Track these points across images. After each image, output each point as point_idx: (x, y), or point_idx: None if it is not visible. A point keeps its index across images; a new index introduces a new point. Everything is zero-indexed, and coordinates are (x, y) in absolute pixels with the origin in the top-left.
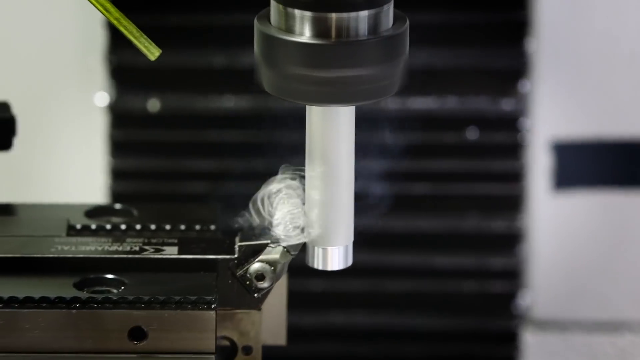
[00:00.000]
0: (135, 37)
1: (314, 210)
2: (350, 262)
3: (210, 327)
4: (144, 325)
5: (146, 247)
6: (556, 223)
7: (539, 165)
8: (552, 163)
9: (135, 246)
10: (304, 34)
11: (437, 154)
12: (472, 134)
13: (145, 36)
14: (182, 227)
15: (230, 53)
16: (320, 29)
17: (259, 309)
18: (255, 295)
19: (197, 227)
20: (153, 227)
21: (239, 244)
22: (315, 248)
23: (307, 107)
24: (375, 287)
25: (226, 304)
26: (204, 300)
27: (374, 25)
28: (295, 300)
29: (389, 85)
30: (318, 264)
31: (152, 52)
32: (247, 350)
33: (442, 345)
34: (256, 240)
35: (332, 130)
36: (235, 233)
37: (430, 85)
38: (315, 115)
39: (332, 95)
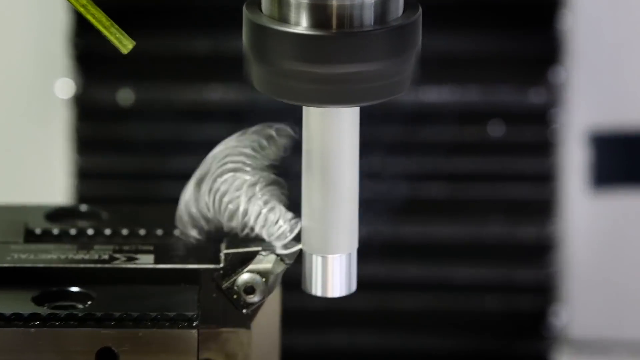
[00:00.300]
0: (105, 27)
1: (312, 214)
2: (354, 288)
3: (191, 349)
4: (115, 347)
5: (117, 256)
6: (595, 228)
7: (574, 162)
8: (589, 159)
9: (105, 254)
10: (301, 24)
11: (456, 152)
12: (496, 129)
13: (116, 26)
14: (159, 232)
15: (216, 37)
16: (319, 18)
17: (249, 328)
18: (244, 311)
19: (176, 232)
20: (125, 232)
21: (225, 251)
22: (314, 257)
23: (305, 107)
24: (384, 303)
25: (210, 322)
26: (184, 317)
27: (382, 13)
28: (290, 318)
29: (398, 82)
30: (316, 289)
31: (125, 44)
32: None
33: None
34: (245, 247)
35: (332, 135)
36: (221, 239)
37: (448, 74)
38: (314, 118)
39: (333, 95)
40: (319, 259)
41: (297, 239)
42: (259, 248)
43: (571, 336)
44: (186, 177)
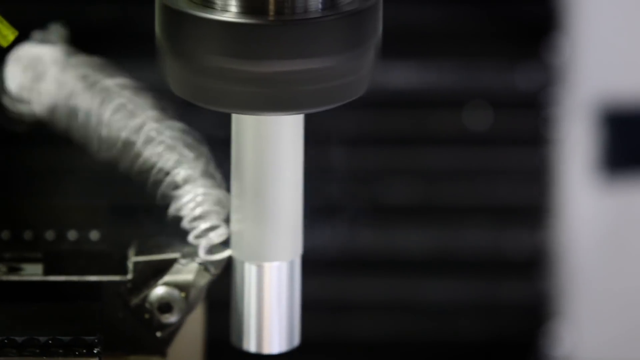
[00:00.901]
0: None
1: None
2: (296, 342)
3: None
4: None
5: None
6: (604, 229)
7: (577, 149)
8: (597, 143)
9: None
10: (229, 9)
11: (430, 144)
12: (477, 117)
13: None
14: (50, 235)
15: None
16: (252, 1)
17: (164, 355)
18: (158, 334)
19: (73, 235)
20: (5, 235)
21: (134, 259)
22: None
23: (235, 115)
24: (336, 328)
25: (115, 348)
26: (82, 343)
27: None
28: (217, 342)
29: (353, 83)
30: (248, 344)
31: (4, 35)
32: None
33: None
34: (159, 253)
35: (269, 150)
36: (128, 243)
37: (417, 50)
38: (247, 127)
39: (271, 100)
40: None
41: (225, 243)
42: (177, 255)
43: None
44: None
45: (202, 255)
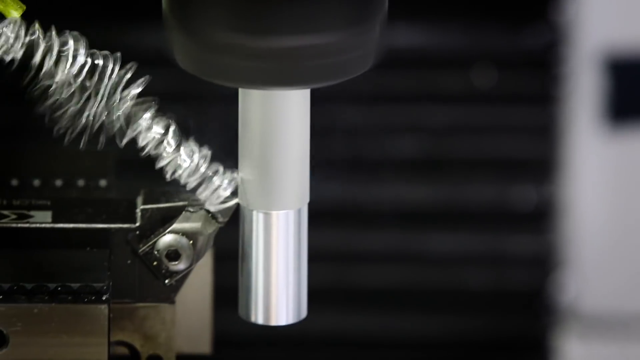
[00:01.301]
0: None
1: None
2: (304, 314)
3: (100, 329)
4: (3, 327)
5: (5, 212)
6: (611, 180)
7: (584, 100)
8: (606, 89)
9: None
10: None
11: (437, 102)
12: (485, 76)
13: None
14: (59, 182)
15: None
16: None
17: (172, 302)
18: (167, 281)
19: (81, 182)
20: (15, 182)
21: (142, 206)
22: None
23: (241, 90)
24: (345, 279)
25: (124, 295)
26: (90, 289)
27: None
28: (224, 291)
29: (359, 58)
30: (256, 316)
31: (12, 6)
32: None
33: (439, 357)
34: (167, 201)
35: (277, 124)
36: (137, 191)
37: (424, 11)
38: (253, 102)
39: (277, 75)
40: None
41: (234, 192)
42: (185, 202)
43: (580, 312)
44: None
45: (210, 202)
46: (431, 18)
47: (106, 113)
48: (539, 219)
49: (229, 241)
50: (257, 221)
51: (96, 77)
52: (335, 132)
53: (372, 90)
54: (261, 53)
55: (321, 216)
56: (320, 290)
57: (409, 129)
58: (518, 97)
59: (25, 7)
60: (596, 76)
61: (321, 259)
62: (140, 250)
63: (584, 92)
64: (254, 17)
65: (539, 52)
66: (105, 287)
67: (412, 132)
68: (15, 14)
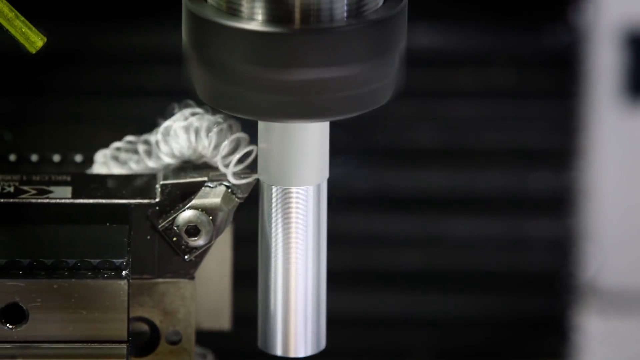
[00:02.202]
0: (7, 20)
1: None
2: (323, 345)
3: (119, 304)
4: (23, 302)
5: (24, 188)
6: (630, 158)
7: (605, 70)
8: (625, 64)
9: (9, 186)
10: (255, 18)
11: (456, 97)
12: (504, 75)
13: (22, 18)
14: (78, 157)
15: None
16: (279, 10)
17: (192, 278)
18: (186, 257)
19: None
20: (35, 157)
21: (162, 182)
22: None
23: (261, 122)
24: (367, 262)
25: (143, 271)
26: (110, 265)
27: (357, 5)
28: (244, 268)
29: (378, 90)
30: (275, 348)
31: (33, 41)
32: (175, 337)
33: (460, 336)
34: (186, 177)
35: (295, 155)
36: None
37: (443, 12)
38: (274, 133)
39: (296, 108)
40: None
41: (253, 167)
42: (205, 178)
43: (599, 288)
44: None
45: (230, 178)
46: (451, 19)
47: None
48: (558, 204)
49: (249, 220)
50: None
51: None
52: (359, 122)
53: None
54: (279, 86)
55: (342, 201)
56: (341, 274)
57: (430, 120)
58: (537, 94)
59: (46, 39)
60: (616, 51)
61: (342, 243)
62: (160, 226)
63: (603, 68)
64: (272, 50)
65: (559, 52)
66: (124, 263)
67: (433, 122)
68: (40, 43)
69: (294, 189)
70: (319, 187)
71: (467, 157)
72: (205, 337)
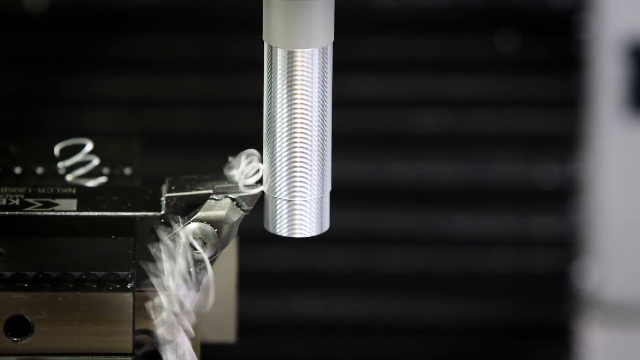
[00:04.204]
0: None
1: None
2: (326, 227)
3: (124, 317)
4: (28, 314)
5: (30, 200)
6: (634, 163)
7: (608, 81)
8: (628, 76)
9: (14, 198)
10: None
11: (456, 71)
12: (507, 41)
13: None
14: (84, 169)
15: None
16: None
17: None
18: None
19: (106, 169)
20: (40, 170)
21: (167, 194)
22: (279, 51)
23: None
24: (365, 260)
25: (149, 283)
26: (115, 278)
27: None
28: (249, 279)
29: None
30: (281, 229)
31: None
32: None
33: (461, 342)
34: (192, 189)
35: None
36: (162, 179)
37: None
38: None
39: None
40: (284, 203)
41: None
42: (210, 191)
43: (603, 300)
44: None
45: (241, 188)
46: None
47: None
48: (563, 199)
49: (253, 229)
50: (282, 58)
51: None
52: (353, 105)
53: (393, 57)
54: None
55: (342, 196)
56: (342, 273)
57: (431, 102)
58: (543, 63)
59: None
60: (618, 63)
61: (343, 241)
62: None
63: (606, 78)
64: None
65: (564, 16)
66: (130, 276)
67: (434, 105)
68: None
69: (299, 51)
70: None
71: (470, 144)
72: (209, 350)
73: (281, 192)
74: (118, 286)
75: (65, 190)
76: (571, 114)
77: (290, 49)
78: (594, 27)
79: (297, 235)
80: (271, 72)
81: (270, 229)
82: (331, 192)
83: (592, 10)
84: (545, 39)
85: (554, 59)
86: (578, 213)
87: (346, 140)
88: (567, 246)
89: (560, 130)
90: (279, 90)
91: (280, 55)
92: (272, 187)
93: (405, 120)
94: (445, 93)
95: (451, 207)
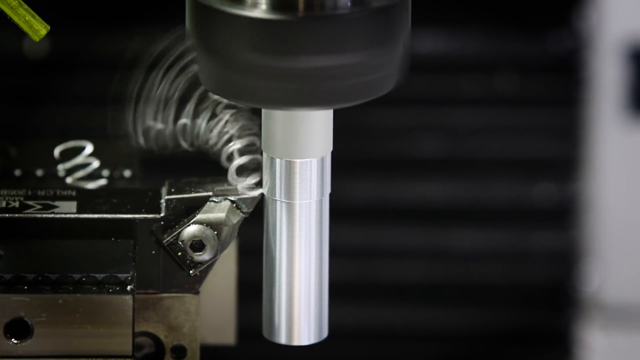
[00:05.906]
0: (11, 8)
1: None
2: (325, 334)
3: (124, 319)
4: (28, 317)
5: (29, 203)
6: (633, 174)
7: (608, 84)
8: (628, 80)
9: (14, 201)
10: (259, 6)
11: (460, 105)
12: (508, 81)
13: (26, 6)
14: (83, 172)
15: None
16: None
17: (197, 293)
18: (191, 272)
19: (106, 172)
20: (40, 172)
21: (167, 197)
22: (278, 203)
23: (265, 110)
24: (367, 274)
25: (148, 285)
26: (115, 280)
27: None
28: (249, 283)
29: (382, 79)
30: (279, 336)
31: (37, 29)
32: (179, 352)
33: (463, 348)
34: (191, 191)
35: (298, 144)
36: (162, 181)
37: (447, 17)
38: (277, 121)
39: (300, 95)
40: (284, 163)
41: (257, 182)
42: (210, 193)
43: (603, 303)
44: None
45: (237, 190)
46: (454, 24)
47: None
48: (562, 216)
49: (254, 234)
50: (280, 210)
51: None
52: (361, 132)
53: (396, 93)
54: (283, 73)
55: (346, 214)
56: (344, 286)
57: (433, 130)
58: (541, 100)
59: (49, 27)
60: (618, 67)
61: (345, 256)
62: (165, 241)
63: (606, 83)
64: (275, 37)
65: (562, 58)
66: (129, 278)
67: (436, 132)
68: (43, 32)
69: (298, 161)
70: (322, 160)
71: (471, 167)
72: (209, 353)
73: (280, 337)
74: (118, 288)
75: (65, 193)
76: (569, 133)
77: (288, 159)
78: (592, 28)
79: None
80: (268, 221)
81: None
82: (341, 212)
83: (590, 33)
84: (543, 80)
85: (551, 91)
86: (578, 225)
87: (358, 163)
88: (567, 257)
89: (557, 152)
90: (277, 241)
91: (279, 207)
92: (270, 330)
93: (409, 145)
94: (447, 122)
95: (454, 224)
